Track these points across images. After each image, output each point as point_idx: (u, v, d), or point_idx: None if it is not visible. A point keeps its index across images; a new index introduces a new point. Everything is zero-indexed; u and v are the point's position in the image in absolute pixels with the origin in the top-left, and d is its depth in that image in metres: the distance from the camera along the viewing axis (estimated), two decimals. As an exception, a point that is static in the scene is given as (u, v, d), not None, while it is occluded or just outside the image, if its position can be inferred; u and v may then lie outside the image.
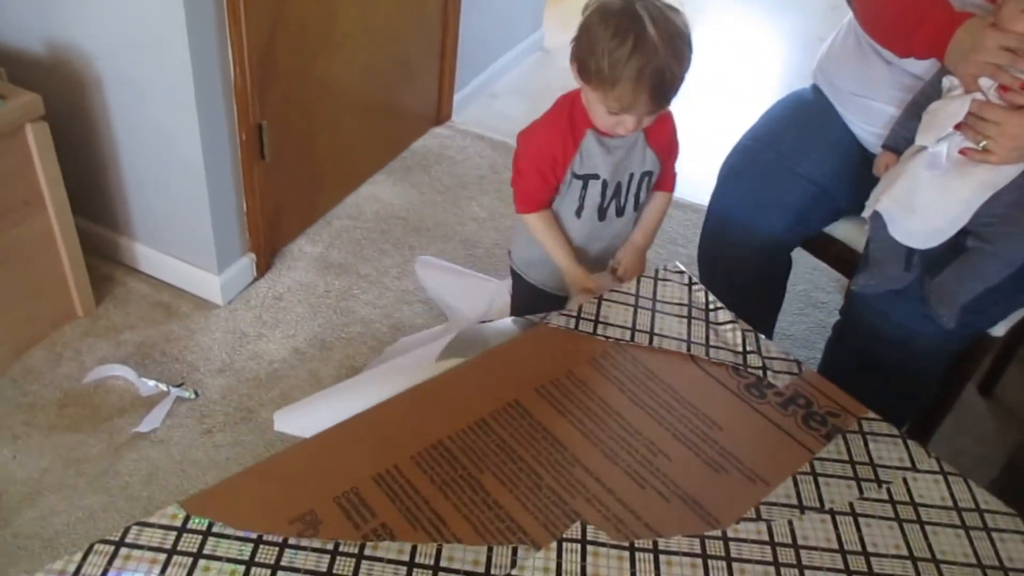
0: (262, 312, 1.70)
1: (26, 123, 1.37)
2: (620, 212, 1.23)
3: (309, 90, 1.76)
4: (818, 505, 0.85)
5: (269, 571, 0.73)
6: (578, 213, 1.21)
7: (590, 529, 0.80)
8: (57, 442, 1.41)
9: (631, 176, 1.20)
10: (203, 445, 1.43)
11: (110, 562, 0.73)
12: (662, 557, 0.78)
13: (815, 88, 1.37)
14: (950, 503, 0.87)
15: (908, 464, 0.91)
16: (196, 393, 1.51)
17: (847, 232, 1.35)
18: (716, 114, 2.57)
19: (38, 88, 1.38)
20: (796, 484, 0.87)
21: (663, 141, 1.21)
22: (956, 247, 1.11)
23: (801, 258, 1.48)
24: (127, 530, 0.75)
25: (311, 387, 1.54)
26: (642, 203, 1.26)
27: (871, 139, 1.26)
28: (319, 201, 1.96)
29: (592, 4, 1.06)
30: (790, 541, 0.81)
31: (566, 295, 1.29)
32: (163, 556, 0.73)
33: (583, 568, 0.77)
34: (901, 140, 1.14)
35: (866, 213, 1.15)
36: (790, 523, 0.83)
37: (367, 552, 0.75)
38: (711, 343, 1.04)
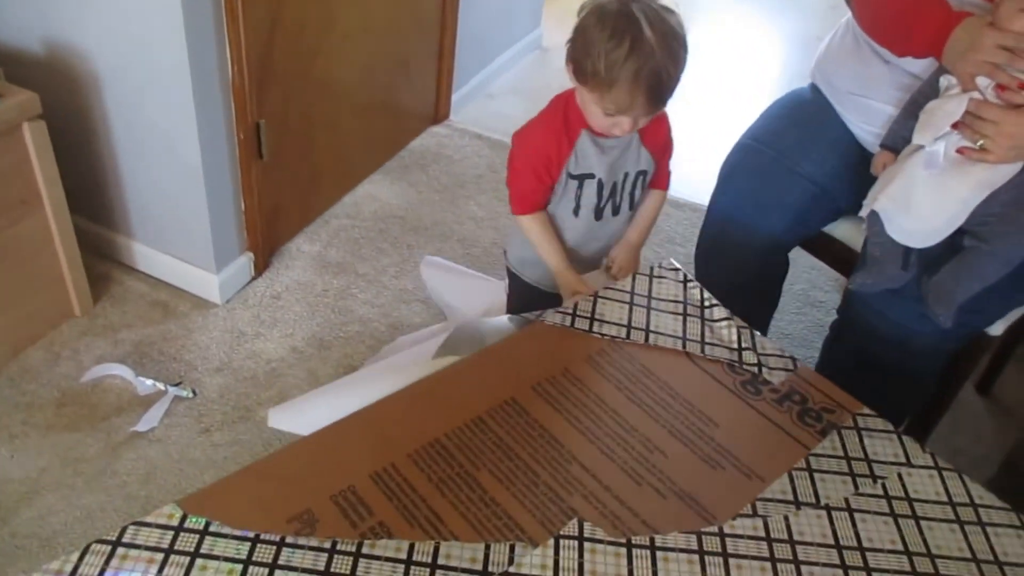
0: (260, 311, 1.70)
1: (23, 122, 1.38)
2: (616, 211, 1.23)
3: (307, 89, 1.76)
4: (814, 501, 0.86)
5: (266, 570, 0.73)
6: (575, 213, 1.21)
7: (587, 526, 0.80)
8: (55, 441, 1.41)
9: (626, 176, 1.20)
10: (201, 444, 1.43)
11: (107, 562, 0.72)
12: (659, 553, 0.79)
13: (813, 87, 1.37)
14: (945, 498, 0.87)
15: (903, 459, 0.91)
16: (194, 392, 1.51)
17: (845, 231, 1.35)
18: (715, 114, 2.57)
19: (36, 87, 1.38)
20: (792, 480, 0.87)
21: (658, 141, 1.21)
22: (953, 246, 1.11)
23: (799, 257, 1.48)
24: (124, 530, 0.75)
25: (309, 386, 1.54)
26: (637, 202, 1.26)
27: (869, 138, 1.26)
28: (317, 200, 1.96)
29: (588, 5, 1.06)
30: (786, 537, 0.82)
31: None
32: (160, 556, 0.73)
33: (580, 565, 0.77)
34: (899, 139, 1.14)
35: (863, 212, 1.15)
36: (786, 519, 0.83)
37: (364, 550, 0.75)
38: (706, 340, 1.04)
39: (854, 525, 0.84)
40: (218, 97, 1.50)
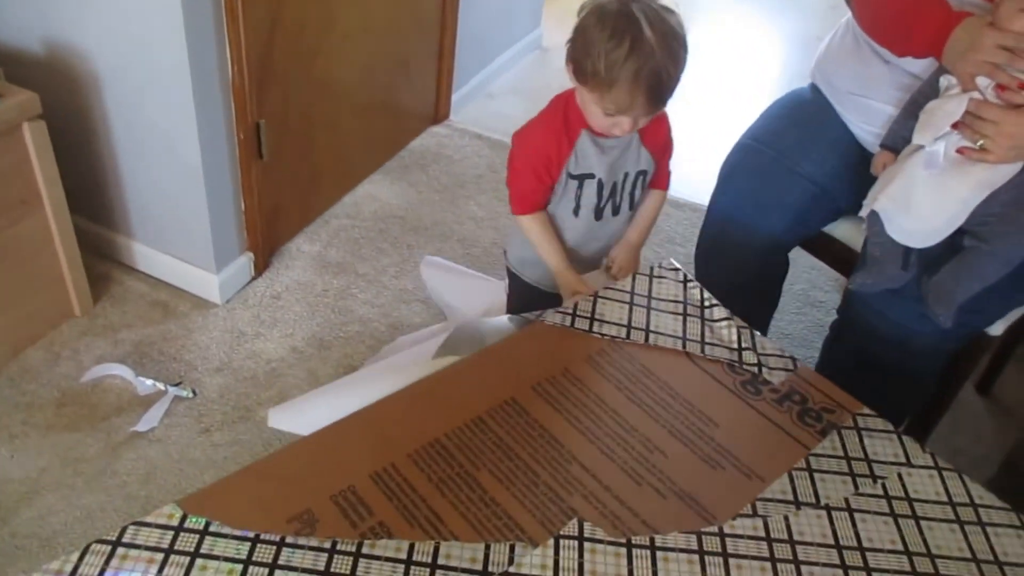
0: (260, 311, 1.70)
1: (23, 122, 1.38)
2: (616, 211, 1.23)
3: (307, 89, 1.76)
4: (814, 501, 0.86)
5: (266, 570, 0.73)
6: (575, 213, 1.21)
7: (587, 526, 0.80)
8: (55, 441, 1.41)
9: (626, 175, 1.20)
10: (201, 444, 1.43)
11: (107, 562, 0.72)
12: (659, 553, 0.79)
13: (813, 87, 1.37)
14: (945, 498, 0.87)
15: (903, 459, 0.91)
16: (194, 392, 1.51)
17: (846, 231, 1.35)
18: (715, 113, 2.57)
19: (36, 87, 1.38)
20: (792, 480, 0.87)
21: (658, 141, 1.21)
22: (953, 246, 1.11)
23: (799, 257, 1.48)
24: (124, 530, 0.75)
25: (309, 386, 1.54)
26: (637, 202, 1.26)
27: (869, 138, 1.26)
28: (317, 200, 1.96)
29: (588, 5, 1.06)
30: (786, 537, 0.82)
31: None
32: (160, 556, 0.73)
33: (580, 565, 0.77)
34: (899, 139, 1.14)
35: (863, 212, 1.15)
36: (786, 519, 0.83)
37: (364, 550, 0.75)
38: (706, 340, 1.04)
39: (854, 525, 0.84)
40: (218, 97, 1.50)
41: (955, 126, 1.04)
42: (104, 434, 1.43)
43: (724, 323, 1.06)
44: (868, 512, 0.85)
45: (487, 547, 0.77)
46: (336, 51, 1.81)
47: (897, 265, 1.15)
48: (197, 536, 0.75)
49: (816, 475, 0.88)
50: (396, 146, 2.23)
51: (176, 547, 0.74)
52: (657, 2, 1.04)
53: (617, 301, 1.08)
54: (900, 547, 0.82)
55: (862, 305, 1.24)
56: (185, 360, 1.58)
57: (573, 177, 1.18)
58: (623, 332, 1.03)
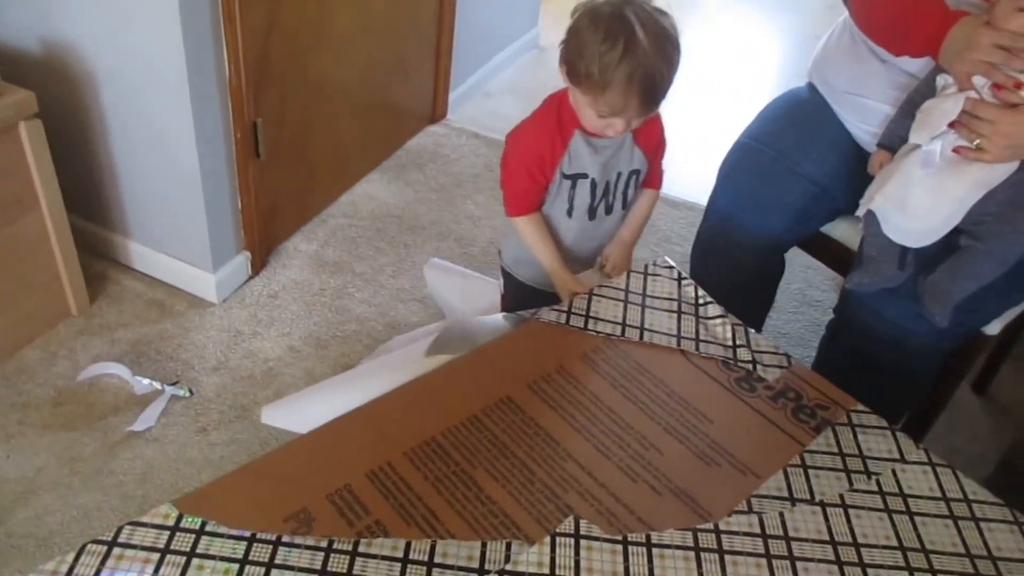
0: (257, 310, 1.70)
1: (20, 120, 1.37)
2: (609, 211, 1.24)
3: (304, 88, 1.76)
4: (808, 497, 0.86)
5: (263, 569, 0.73)
6: (569, 213, 1.22)
7: (583, 523, 0.80)
8: (51, 441, 1.41)
9: (619, 175, 1.21)
10: (198, 444, 1.43)
11: (103, 562, 0.72)
12: (655, 550, 0.79)
13: (811, 87, 1.37)
14: (939, 494, 0.88)
15: (897, 455, 0.91)
16: (191, 391, 1.51)
17: (843, 231, 1.36)
18: (712, 113, 2.57)
19: (32, 85, 1.38)
20: (787, 476, 0.88)
21: (651, 140, 1.21)
22: (950, 246, 1.11)
23: (796, 256, 1.48)
24: (120, 530, 0.75)
25: (306, 385, 1.54)
26: (630, 201, 1.26)
27: (866, 137, 1.26)
28: (314, 199, 1.96)
29: (581, 7, 1.06)
30: (781, 533, 0.82)
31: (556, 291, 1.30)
32: (156, 555, 0.73)
33: (576, 562, 0.77)
34: (896, 138, 1.14)
35: (860, 211, 1.15)
36: (781, 515, 0.84)
37: (361, 549, 0.75)
38: (701, 337, 1.04)
39: (849, 521, 0.84)
40: (215, 96, 1.50)
41: (951, 125, 1.04)
42: (101, 433, 1.43)
43: (718, 320, 1.06)
44: (863, 508, 0.85)
45: (483, 545, 0.77)
46: (333, 50, 1.81)
47: (894, 264, 1.15)
48: (193, 536, 0.75)
49: (811, 471, 0.89)
50: (393, 145, 2.23)
51: (172, 547, 0.74)
52: (650, 4, 1.04)
53: (612, 299, 1.08)
54: (895, 543, 0.82)
55: (859, 304, 1.24)
56: (182, 359, 1.57)
57: (567, 177, 1.18)
58: (618, 330, 1.03)
